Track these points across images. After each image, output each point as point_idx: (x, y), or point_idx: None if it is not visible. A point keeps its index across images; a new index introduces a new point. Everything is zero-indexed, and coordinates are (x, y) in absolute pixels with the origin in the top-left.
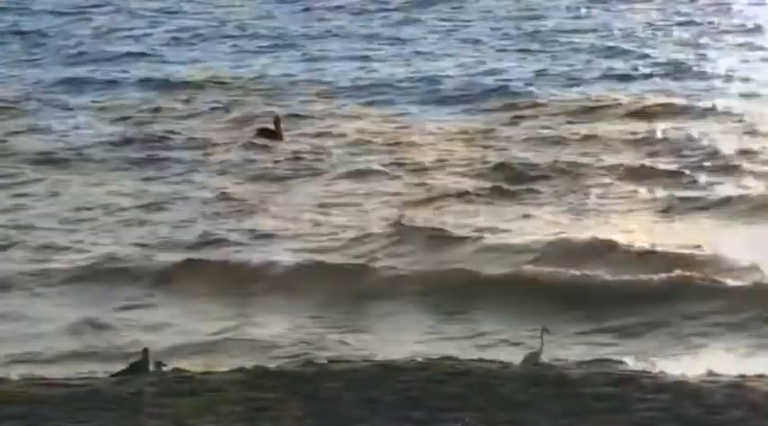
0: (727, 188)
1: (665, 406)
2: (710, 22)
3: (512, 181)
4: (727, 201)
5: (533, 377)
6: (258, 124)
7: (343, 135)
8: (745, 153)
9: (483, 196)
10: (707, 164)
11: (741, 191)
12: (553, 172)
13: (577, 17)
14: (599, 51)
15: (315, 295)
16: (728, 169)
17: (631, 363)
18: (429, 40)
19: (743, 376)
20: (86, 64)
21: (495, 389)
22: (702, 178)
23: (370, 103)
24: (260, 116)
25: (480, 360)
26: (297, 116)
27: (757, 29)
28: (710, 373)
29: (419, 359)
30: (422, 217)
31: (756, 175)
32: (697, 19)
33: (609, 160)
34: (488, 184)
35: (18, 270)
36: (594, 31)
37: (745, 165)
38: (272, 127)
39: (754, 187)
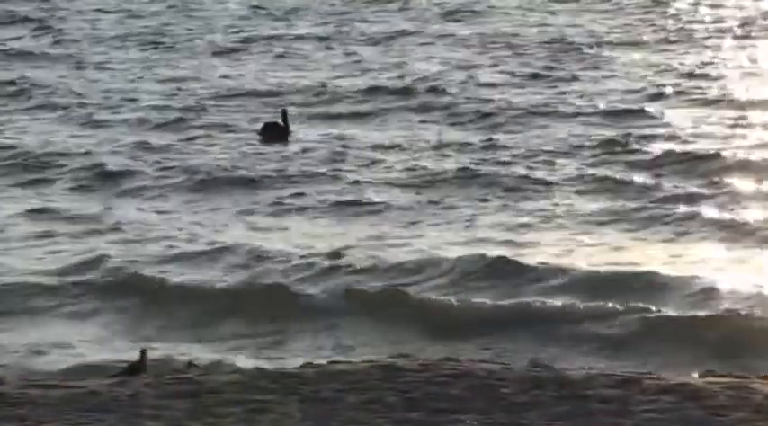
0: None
1: (667, 408)
2: (673, 24)
3: (469, 192)
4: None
5: (535, 379)
6: (258, 121)
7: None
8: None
9: (427, 208)
10: (664, 171)
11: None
12: (506, 180)
13: (536, 19)
14: (559, 54)
15: (234, 315)
16: (673, 179)
17: (632, 366)
18: (388, 44)
19: (746, 377)
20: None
21: (496, 391)
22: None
23: (321, 110)
24: (261, 117)
25: (482, 362)
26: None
27: (724, 30)
28: (713, 374)
29: (420, 361)
30: (360, 235)
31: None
32: (661, 21)
33: (558, 169)
34: (440, 196)
35: None
36: (552, 32)
37: (688, 177)
38: (279, 121)
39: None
